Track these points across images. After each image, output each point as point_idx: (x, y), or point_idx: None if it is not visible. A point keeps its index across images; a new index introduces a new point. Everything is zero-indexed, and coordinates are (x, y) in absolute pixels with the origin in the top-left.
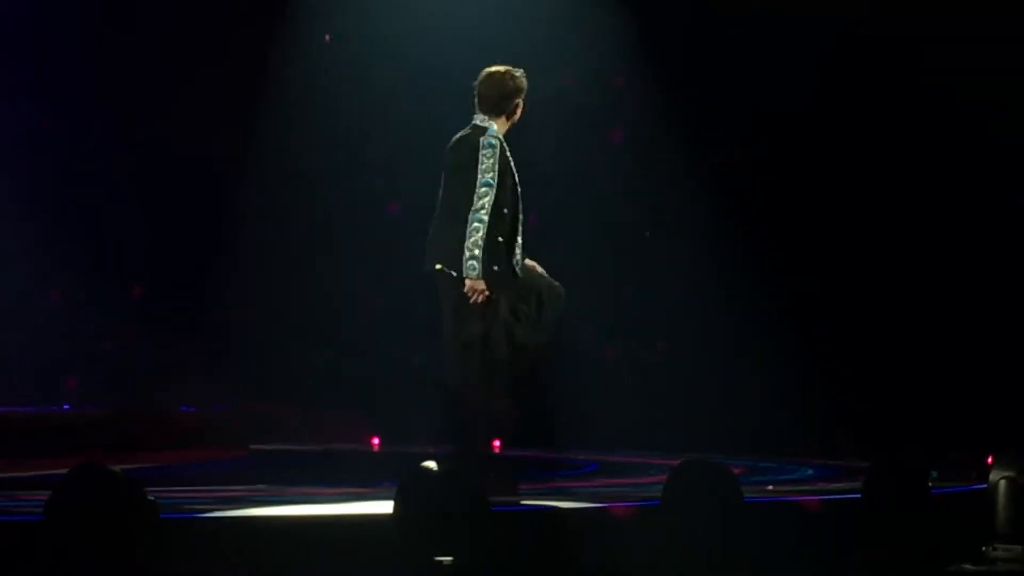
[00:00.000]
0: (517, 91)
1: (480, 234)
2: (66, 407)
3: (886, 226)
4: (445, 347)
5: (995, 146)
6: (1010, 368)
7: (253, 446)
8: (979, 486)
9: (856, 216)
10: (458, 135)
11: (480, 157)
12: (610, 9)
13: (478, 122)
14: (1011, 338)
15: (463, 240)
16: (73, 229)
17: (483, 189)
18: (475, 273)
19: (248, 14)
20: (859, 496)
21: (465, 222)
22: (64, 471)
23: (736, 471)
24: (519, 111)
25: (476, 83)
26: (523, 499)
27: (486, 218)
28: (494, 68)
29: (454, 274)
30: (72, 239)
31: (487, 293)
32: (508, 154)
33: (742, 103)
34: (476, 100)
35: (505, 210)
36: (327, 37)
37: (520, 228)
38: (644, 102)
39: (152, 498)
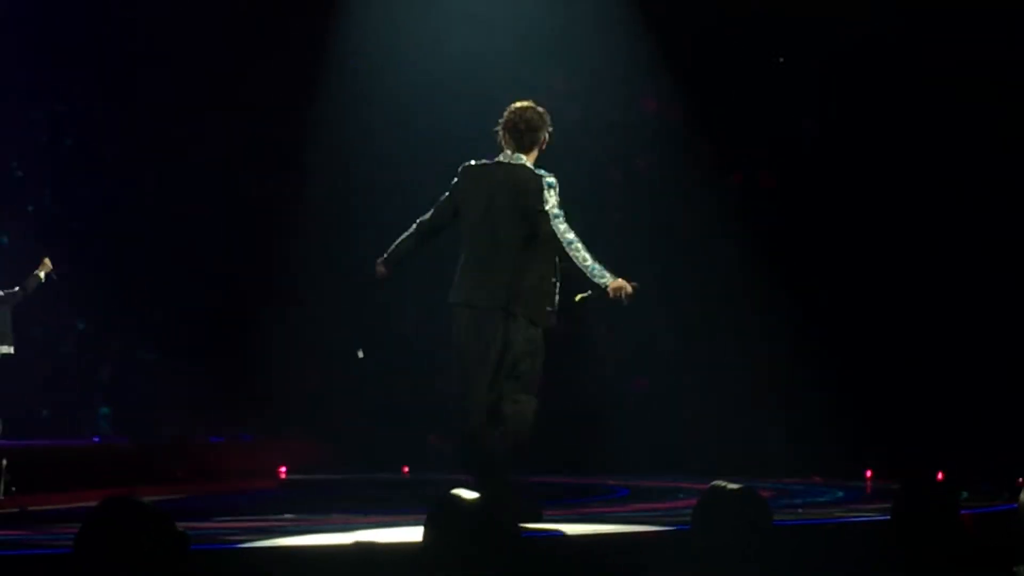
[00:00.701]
0: (547, 126)
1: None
2: (96, 439)
3: (920, 249)
4: (496, 380)
5: None
6: None
7: (282, 476)
8: (1009, 506)
9: (890, 240)
10: (521, 174)
11: (546, 197)
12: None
13: (515, 160)
14: None
15: (532, 280)
16: (101, 261)
17: (564, 224)
18: (610, 276)
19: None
20: (888, 518)
21: (528, 260)
22: (94, 503)
23: (765, 494)
24: (545, 144)
25: (512, 119)
26: (549, 523)
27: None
28: (524, 104)
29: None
30: (99, 271)
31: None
32: None
33: (767, 122)
34: (511, 136)
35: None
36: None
37: None
38: (667, 124)
39: (182, 530)
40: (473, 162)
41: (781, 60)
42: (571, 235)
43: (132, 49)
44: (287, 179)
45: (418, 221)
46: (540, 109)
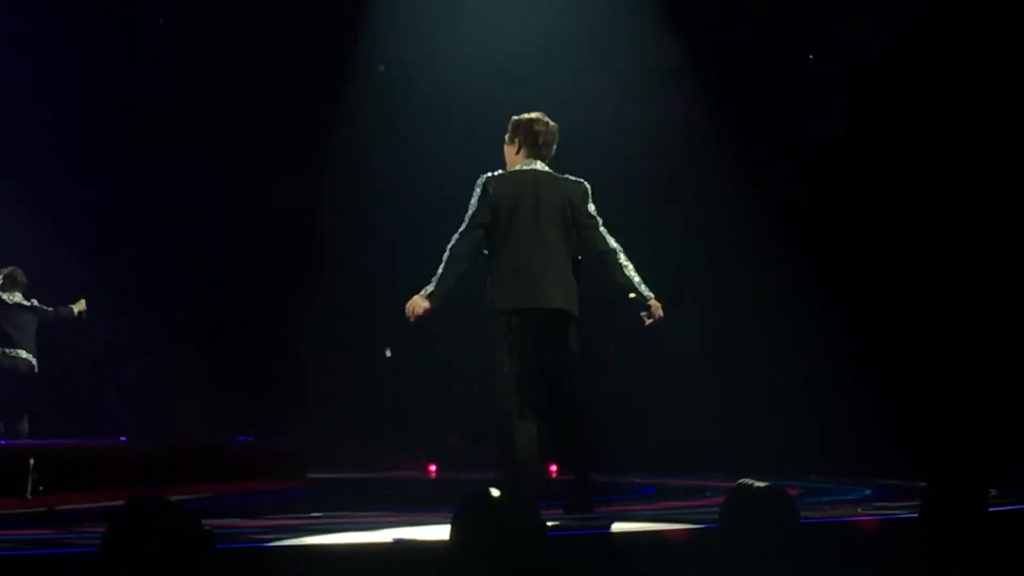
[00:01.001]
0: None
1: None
2: (123, 439)
3: (944, 243)
4: (564, 380)
5: None
6: None
7: (310, 475)
8: None
9: (911, 235)
10: (563, 182)
11: (591, 204)
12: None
13: (547, 168)
14: None
15: (573, 282)
16: (130, 258)
17: (606, 233)
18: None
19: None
20: (916, 516)
21: (571, 263)
22: (120, 503)
23: (793, 492)
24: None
25: (533, 128)
26: (576, 521)
27: None
28: (541, 115)
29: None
30: (130, 269)
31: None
32: None
33: (793, 126)
34: (530, 145)
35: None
36: (379, 68)
37: None
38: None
39: (209, 528)
40: (497, 172)
41: (811, 57)
42: (616, 244)
43: (152, 48)
44: (315, 178)
45: (454, 249)
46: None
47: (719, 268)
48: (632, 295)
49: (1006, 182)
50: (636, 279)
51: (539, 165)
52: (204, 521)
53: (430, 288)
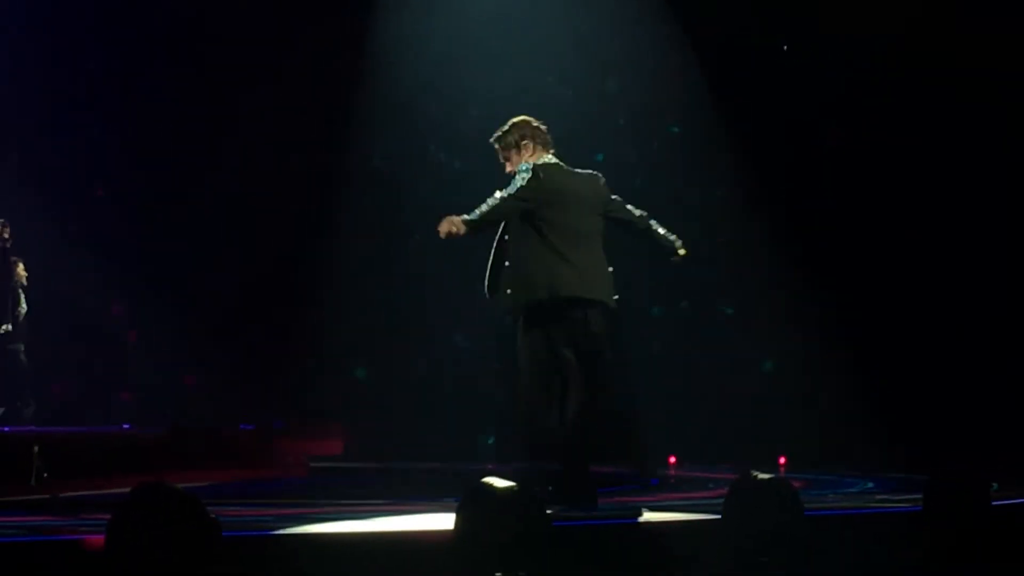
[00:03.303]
0: None
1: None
2: (126, 426)
3: (946, 241)
4: (606, 371)
5: None
6: None
7: (313, 463)
8: None
9: (914, 232)
10: (587, 174)
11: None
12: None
13: (556, 161)
14: None
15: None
16: (131, 250)
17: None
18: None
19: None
20: (919, 509)
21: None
22: (125, 491)
23: (796, 485)
24: None
25: (535, 128)
26: (580, 511)
27: None
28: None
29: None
30: (130, 261)
31: None
32: None
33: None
34: (540, 141)
35: None
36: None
37: None
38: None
39: (214, 516)
40: (542, 161)
41: (785, 48)
42: (640, 210)
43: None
44: (324, 168)
45: (501, 200)
46: None
47: (722, 263)
48: (674, 257)
49: (1004, 181)
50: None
51: (555, 160)
52: (209, 508)
53: (468, 217)
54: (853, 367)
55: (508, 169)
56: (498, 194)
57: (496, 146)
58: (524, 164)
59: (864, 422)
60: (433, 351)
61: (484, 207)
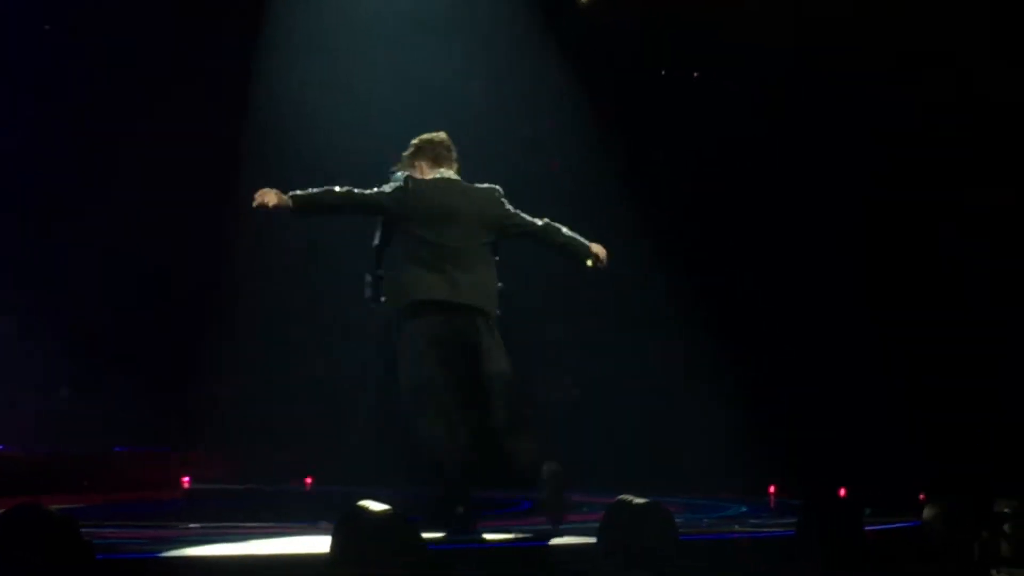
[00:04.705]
0: None
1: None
2: (1, 447)
3: (819, 266)
4: (498, 384)
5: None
6: (935, 409)
7: (190, 486)
8: (913, 523)
9: (786, 255)
10: (480, 189)
11: (505, 204)
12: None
13: (454, 176)
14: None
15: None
16: (15, 271)
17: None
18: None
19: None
20: (792, 533)
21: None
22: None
23: (671, 509)
24: None
25: (434, 143)
26: (455, 534)
27: None
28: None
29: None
30: (8, 276)
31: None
32: None
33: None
34: (434, 158)
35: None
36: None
37: None
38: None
39: (88, 539)
40: (430, 177)
41: (696, 75)
42: (543, 220)
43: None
44: (213, 194)
45: (350, 191)
46: None
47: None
48: (589, 262)
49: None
50: (578, 238)
51: (451, 173)
52: (83, 531)
53: (298, 192)
54: (726, 392)
55: None
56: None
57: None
58: (399, 174)
59: (739, 447)
60: (314, 370)
61: (318, 189)
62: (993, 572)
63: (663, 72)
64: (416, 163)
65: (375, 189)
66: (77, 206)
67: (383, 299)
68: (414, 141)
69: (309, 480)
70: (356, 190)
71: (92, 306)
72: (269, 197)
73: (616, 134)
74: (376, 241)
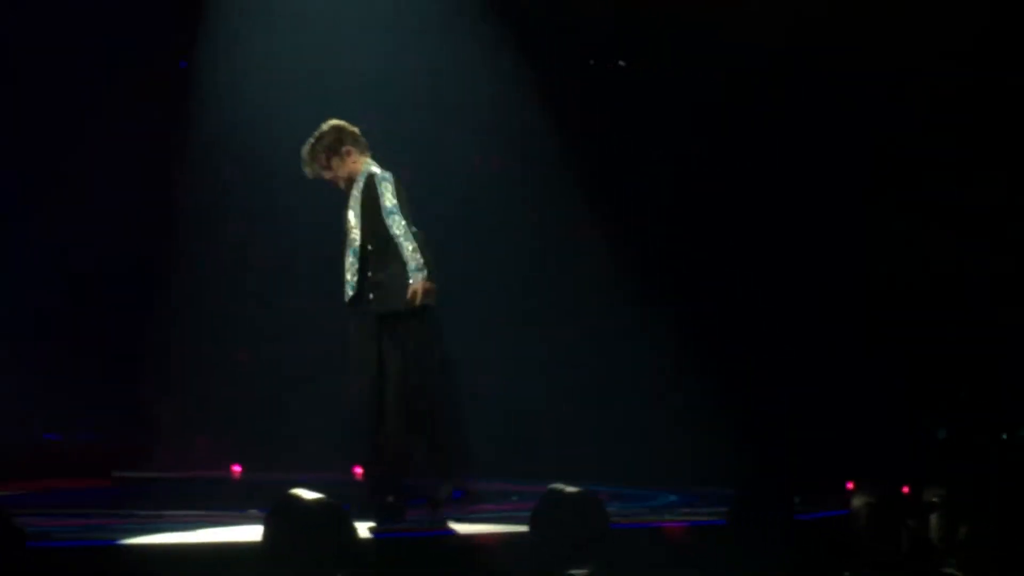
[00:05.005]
0: None
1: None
2: None
3: (764, 259)
4: (409, 377)
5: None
6: (865, 400)
7: (116, 474)
8: (841, 512)
9: (730, 253)
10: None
11: (382, 191)
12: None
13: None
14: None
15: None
16: None
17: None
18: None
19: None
20: (724, 522)
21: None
22: None
23: (601, 497)
24: None
25: (352, 131)
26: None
27: None
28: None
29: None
30: None
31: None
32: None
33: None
34: (361, 145)
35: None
36: None
37: None
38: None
39: (18, 526)
40: (374, 167)
41: (621, 63)
42: (397, 231)
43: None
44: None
45: (417, 235)
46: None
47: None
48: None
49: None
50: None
51: (375, 163)
52: (13, 518)
53: (427, 272)
54: (660, 379)
55: (328, 176)
56: (399, 220)
57: (309, 156)
58: (380, 172)
59: (670, 435)
60: (247, 359)
61: (411, 243)
62: (846, 574)
63: (591, 62)
64: (347, 151)
65: (395, 200)
66: (13, 200)
67: (373, 298)
68: (332, 125)
69: (237, 468)
70: (406, 226)
71: (19, 295)
72: (432, 289)
73: (572, 130)
74: (371, 245)
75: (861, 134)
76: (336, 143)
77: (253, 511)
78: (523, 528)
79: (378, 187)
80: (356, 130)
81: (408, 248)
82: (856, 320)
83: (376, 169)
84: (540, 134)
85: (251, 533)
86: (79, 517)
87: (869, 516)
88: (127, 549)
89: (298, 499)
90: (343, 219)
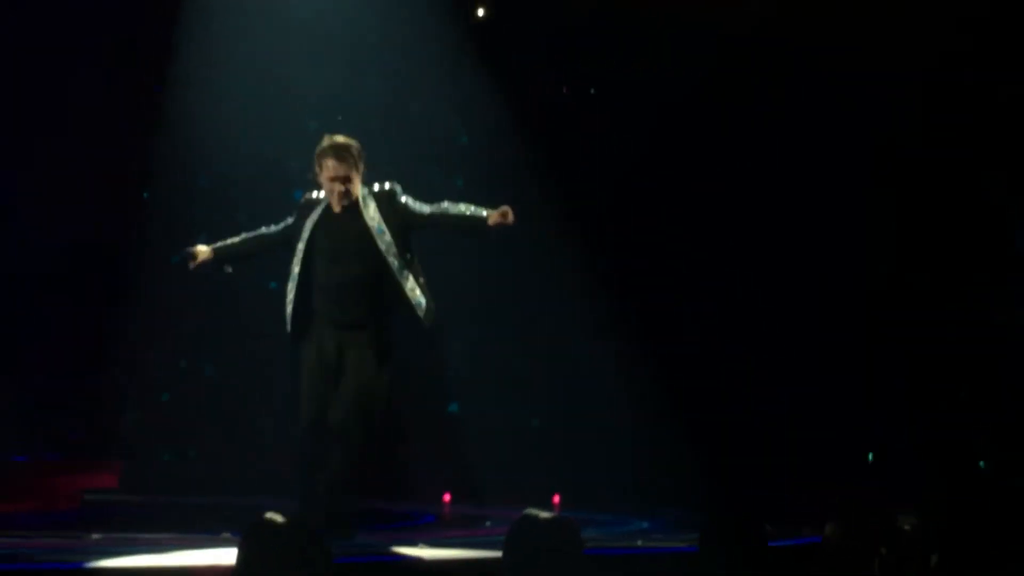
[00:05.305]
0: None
1: None
2: None
3: (763, 259)
4: (364, 400)
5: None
6: (838, 429)
7: (87, 496)
8: (813, 539)
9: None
10: None
11: None
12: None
13: None
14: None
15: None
16: None
17: None
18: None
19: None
20: (695, 548)
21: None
22: None
23: (576, 524)
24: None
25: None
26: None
27: None
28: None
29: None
30: None
31: None
32: (313, 213)
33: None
34: None
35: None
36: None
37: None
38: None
39: None
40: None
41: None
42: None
43: None
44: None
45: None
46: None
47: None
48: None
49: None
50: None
51: None
52: None
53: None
54: (630, 403)
55: (345, 179)
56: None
57: (355, 152)
58: (390, 183)
59: (643, 460)
60: (208, 380)
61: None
62: None
63: (564, 90)
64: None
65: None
66: None
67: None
68: (357, 145)
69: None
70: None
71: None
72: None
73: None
74: (400, 253)
75: (861, 134)
76: (362, 159)
77: (225, 533)
78: (497, 553)
79: (402, 196)
80: None
81: (455, 208)
82: (856, 325)
83: (377, 183)
84: (514, 146)
85: (224, 556)
86: (49, 539)
87: (841, 543)
88: (98, 572)
89: (272, 522)
90: (334, 235)
